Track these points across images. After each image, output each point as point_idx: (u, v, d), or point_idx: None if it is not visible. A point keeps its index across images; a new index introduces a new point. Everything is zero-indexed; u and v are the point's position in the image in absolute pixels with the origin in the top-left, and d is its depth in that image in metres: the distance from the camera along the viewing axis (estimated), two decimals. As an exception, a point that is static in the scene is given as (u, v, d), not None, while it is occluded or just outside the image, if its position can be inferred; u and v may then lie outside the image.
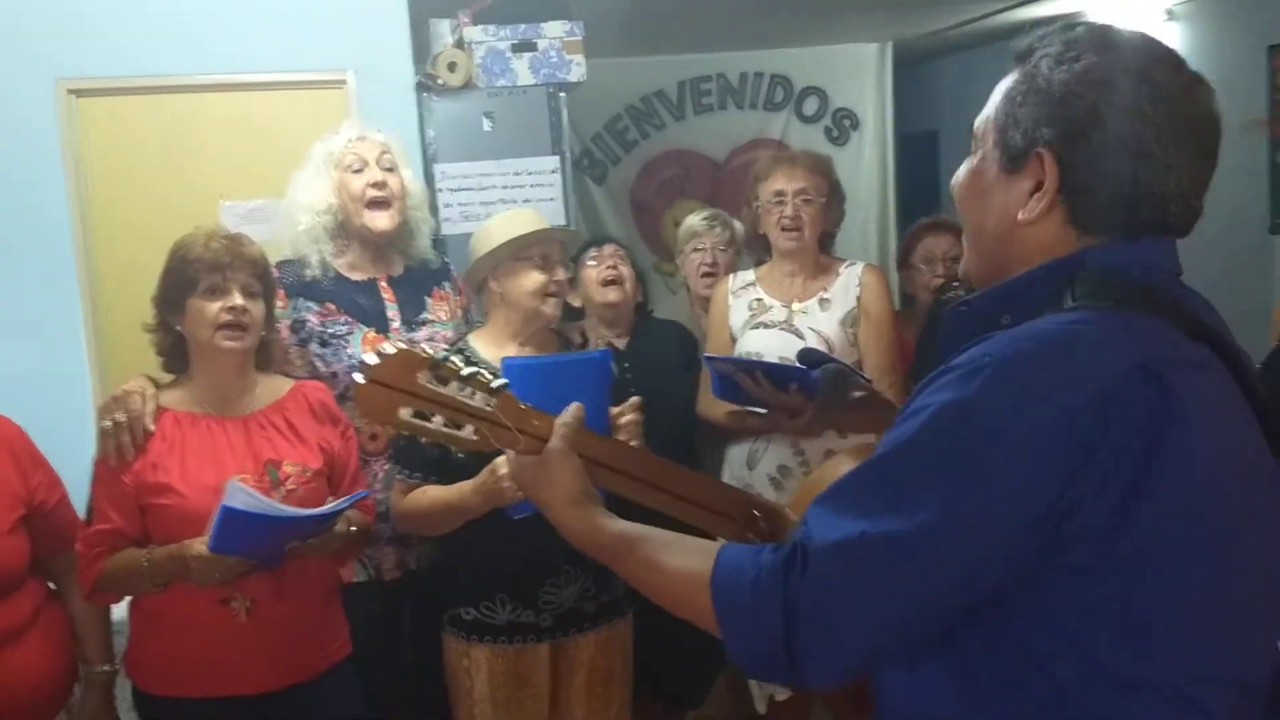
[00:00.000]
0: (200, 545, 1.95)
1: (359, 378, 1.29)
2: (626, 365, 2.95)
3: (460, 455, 1.45)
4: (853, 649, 1.06)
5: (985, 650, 1.06)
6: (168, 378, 2.21)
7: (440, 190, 3.63)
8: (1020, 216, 1.13)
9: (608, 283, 3.06)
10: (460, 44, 3.66)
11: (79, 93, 3.30)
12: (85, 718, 2.22)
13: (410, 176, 2.78)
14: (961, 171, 1.23)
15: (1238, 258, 4.79)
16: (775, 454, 2.80)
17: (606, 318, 3.11)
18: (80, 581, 2.10)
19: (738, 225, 3.49)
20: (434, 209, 3.62)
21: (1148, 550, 0.99)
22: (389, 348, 1.29)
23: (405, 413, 1.31)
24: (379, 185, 2.63)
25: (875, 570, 1.03)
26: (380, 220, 2.64)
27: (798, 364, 2.61)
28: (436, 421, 1.32)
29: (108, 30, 3.33)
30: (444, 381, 1.32)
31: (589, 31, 3.72)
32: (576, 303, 3.10)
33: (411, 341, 2.61)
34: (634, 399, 2.28)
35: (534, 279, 2.37)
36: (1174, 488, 0.99)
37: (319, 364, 2.61)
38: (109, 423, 2.05)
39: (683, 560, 1.20)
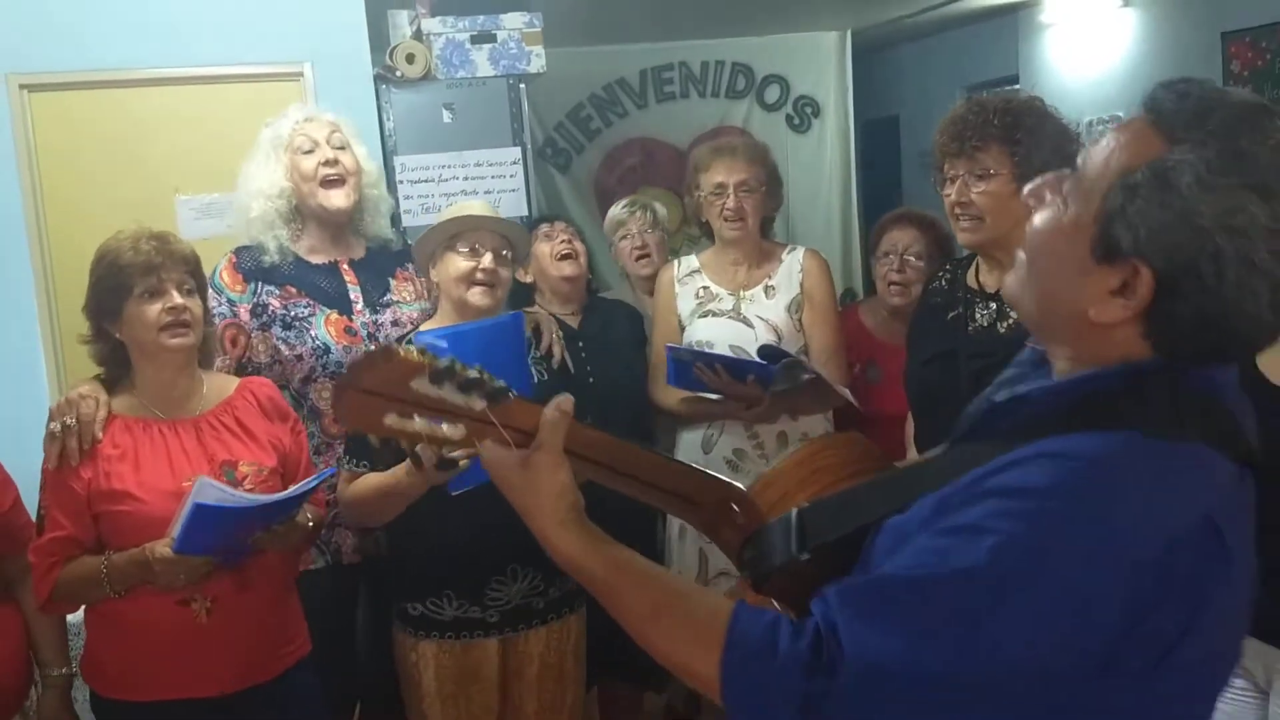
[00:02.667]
0: (163, 548, 1.92)
1: (345, 387, 1.16)
2: (580, 345, 2.98)
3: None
4: None
5: None
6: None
7: (400, 182, 3.62)
8: (1091, 314, 1.02)
9: (562, 257, 3.06)
10: (419, 35, 3.64)
11: (31, 88, 3.26)
12: None
13: (364, 154, 2.76)
14: (1049, 214, 1.08)
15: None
16: (730, 439, 2.86)
17: (561, 292, 3.10)
18: (35, 592, 2.07)
19: (659, 207, 3.60)
20: (394, 201, 3.61)
21: (1173, 685, 0.99)
22: (377, 350, 1.15)
23: (390, 420, 1.17)
24: (331, 163, 2.61)
25: (909, 701, 0.97)
26: (336, 198, 2.62)
27: (756, 358, 2.69)
28: (418, 422, 1.18)
29: (59, 24, 3.28)
30: (439, 384, 1.18)
31: (551, 19, 3.72)
32: (528, 278, 3.10)
33: (375, 323, 2.63)
34: (565, 397, 2.24)
35: (458, 265, 2.38)
36: (1208, 637, 0.97)
37: (282, 347, 2.59)
38: (56, 426, 2.02)
39: (690, 620, 1.09)
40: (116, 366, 2.13)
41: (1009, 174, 2.10)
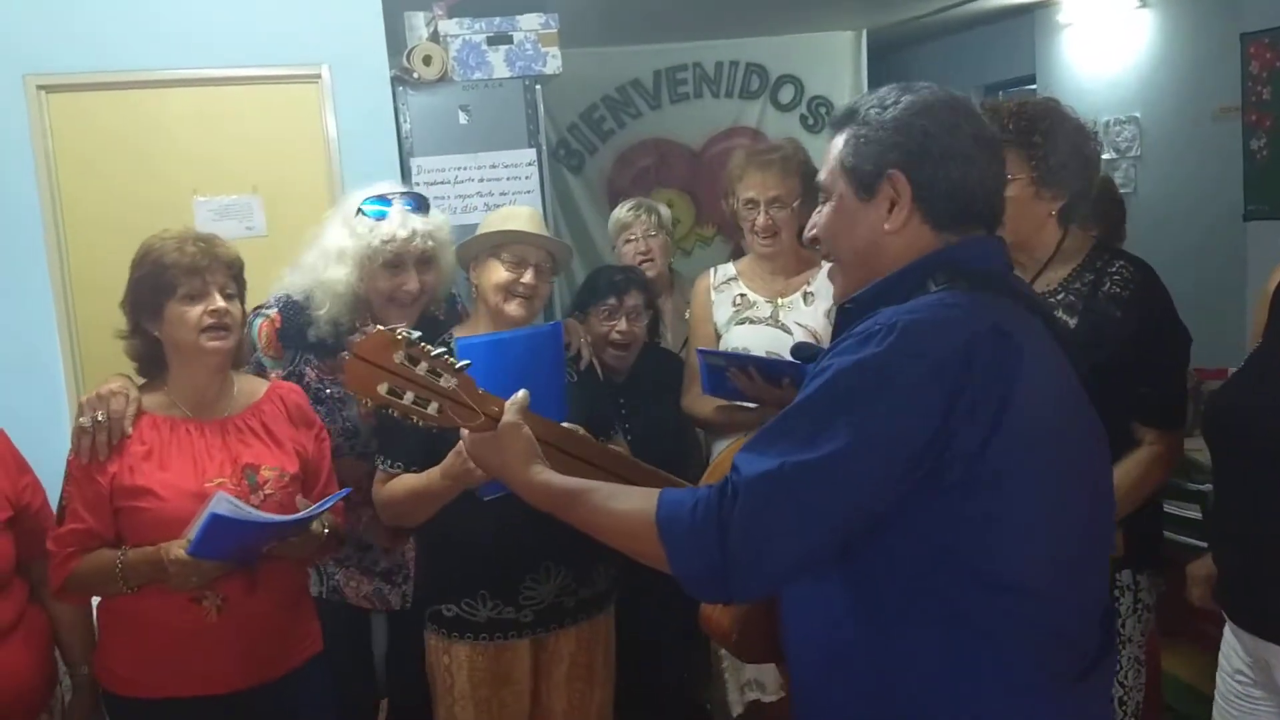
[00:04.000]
0: (178, 549, 1.94)
1: (346, 355, 1.50)
2: (622, 401, 2.96)
3: (432, 428, 1.62)
4: (777, 562, 1.29)
5: (876, 567, 1.30)
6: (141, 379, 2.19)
7: (416, 184, 3.61)
8: (887, 227, 1.39)
9: (615, 345, 2.99)
10: (435, 37, 3.64)
11: (48, 88, 3.26)
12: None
13: (448, 260, 2.58)
14: (821, 217, 1.47)
15: (1212, 244, 4.85)
16: None
17: (608, 365, 3.01)
18: (50, 581, 2.08)
19: (663, 209, 3.62)
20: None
21: (1003, 469, 1.24)
22: (371, 328, 1.43)
23: (382, 388, 1.51)
24: (410, 294, 2.50)
25: (794, 493, 1.26)
26: (400, 316, 2.49)
27: (791, 358, 2.62)
28: (407, 398, 1.52)
29: (77, 25, 3.29)
30: (415, 361, 1.52)
31: (565, 21, 3.71)
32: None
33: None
34: (573, 426, 2.27)
35: (499, 274, 2.38)
36: (1021, 419, 1.25)
37: None
38: (87, 420, 2.03)
39: (629, 503, 1.41)
40: (150, 364, 2.15)
41: (1027, 178, 2.09)
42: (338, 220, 2.55)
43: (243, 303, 2.18)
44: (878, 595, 1.31)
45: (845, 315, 1.43)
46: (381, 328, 1.52)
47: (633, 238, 3.55)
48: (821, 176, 1.47)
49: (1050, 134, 2.09)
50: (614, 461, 1.61)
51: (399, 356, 1.51)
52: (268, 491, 2.08)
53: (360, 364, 1.51)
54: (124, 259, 2.17)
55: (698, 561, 1.30)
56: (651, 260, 3.51)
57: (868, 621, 1.32)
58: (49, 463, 2.29)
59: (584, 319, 2.99)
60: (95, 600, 2.17)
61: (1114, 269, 2.14)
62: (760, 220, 2.80)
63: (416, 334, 1.55)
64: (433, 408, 1.53)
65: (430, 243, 2.52)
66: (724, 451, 1.74)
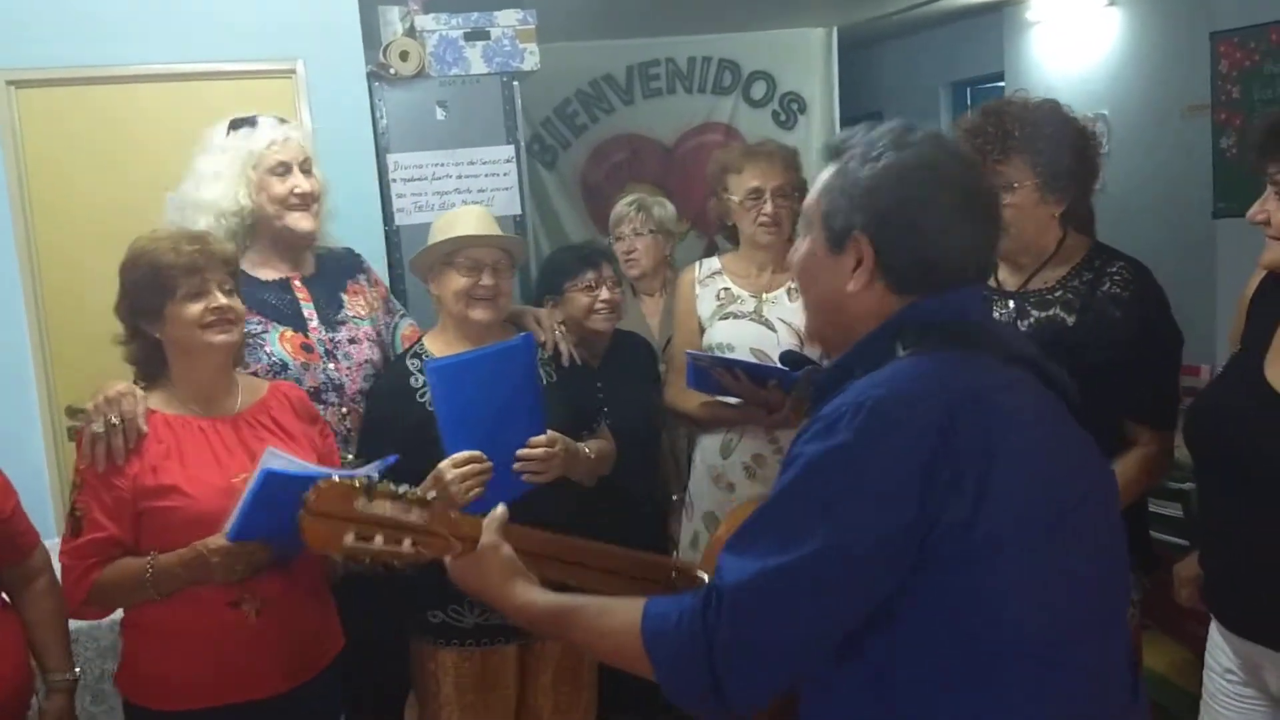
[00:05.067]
0: (218, 540, 1.91)
1: (301, 514, 1.39)
2: (599, 385, 2.96)
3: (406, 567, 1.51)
4: (768, 671, 1.23)
5: (882, 648, 1.24)
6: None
7: (394, 180, 3.58)
8: (849, 288, 1.34)
9: (599, 313, 2.96)
10: (411, 32, 3.60)
11: (18, 84, 3.19)
12: None
13: (319, 172, 2.67)
14: (800, 249, 1.43)
15: (1181, 242, 4.90)
16: (750, 444, 2.82)
17: (590, 343, 3.01)
18: (68, 596, 2.03)
19: (657, 209, 3.57)
20: (386, 199, 3.58)
21: (994, 539, 1.19)
22: (322, 483, 1.39)
23: (349, 539, 1.40)
24: (304, 195, 2.54)
25: (776, 599, 1.20)
26: (304, 221, 2.55)
27: (779, 364, 2.64)
28: (377, 542, 1.42)
29: (48, 19, 3.22)
30: (375, 502, 1.42)
31: (539, 16, 3.68)
32: (558, 316, 2.95)
33: (333, 340, 2.55)
34: (550, 436, 2.27)
35: (456, 282, 2.36)
36: (1007, 486, 1.19)
37: None
38: (100, 426, 1.98)
39: (616, 619, 1.34)
40: (150, 366, 2.12)
41: (1032, 184, 2.10)
42: (203, 153, 2.59)
43: (240, 298, 2.16)
44: (888, 676, 1.25)
45: (819, 389, 1.39)
46: (335, 478, 1.42)
47: (621, 235, 3.51)
48: (807, 203, 1.43)
49: (1056, 140, 2.09)
50: (604, 559, 1.55)
51: (359, 504, 1.41)
52: None
53: (320, 521, 1.40)
54: (95, 256, 2.14)
55: (687, 679, 1.24)
56: (635, 260, 3.47)
57: (878, 701, 1.26)
58: (21, 470, 2.24)
59: (558, 301, 2.97)
60: (118, 614, 2.13)
61: (1113, 269, 2.16)
62: (768, 208, 2.81)
63: (375, 476, 1.48)
64: (406, 545, 1.43)
65: (307, 151, 2.59)
66: (735, 511, 1.68)
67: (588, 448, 2.39)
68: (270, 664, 2.05)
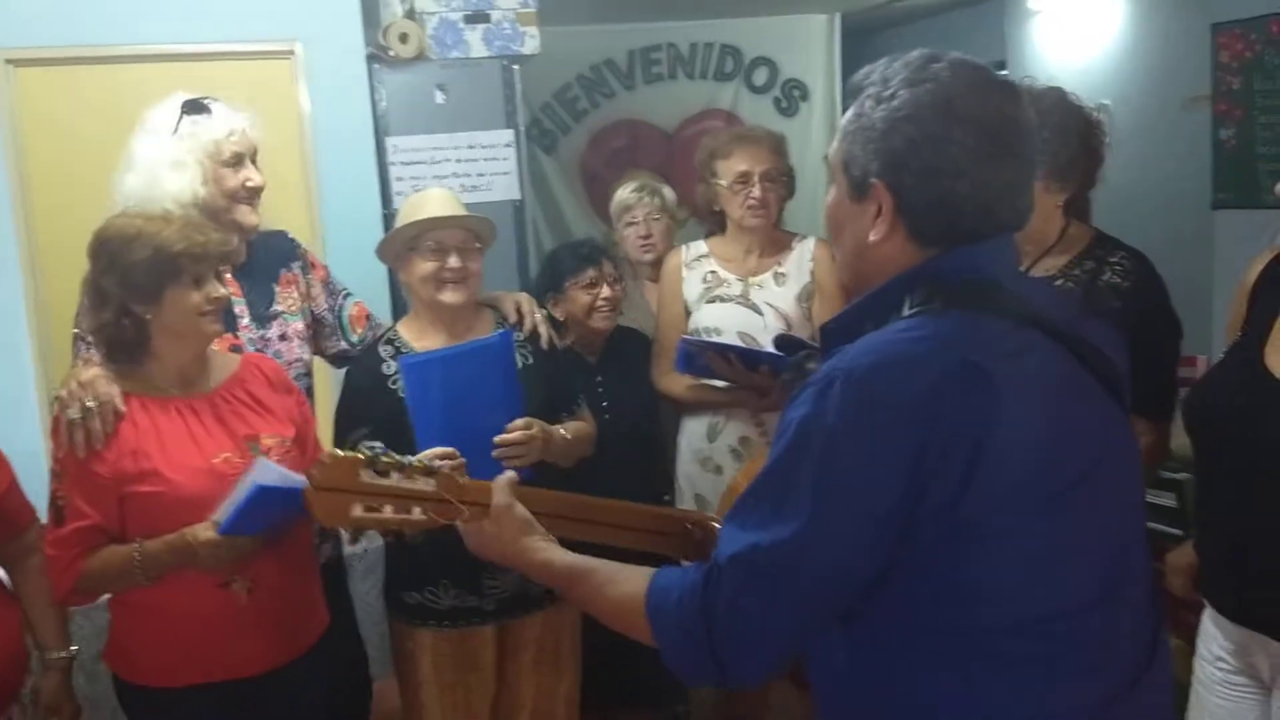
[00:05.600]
0: (207, 531, 1.91)
1: (307, 486, 1.42)
2: (599, 379, 2.98)
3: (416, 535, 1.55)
4: (765, 644, 1.24)
5: (879, 621, 1.24)
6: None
7: (392, 164, 3.58)
8: (870, 238, 1.29)
9: (599, 311, 2.97)
10: (411, 14, 3.59)
11: (17, 62, 3.20)
12: (47, 705, 2.18)
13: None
14: (828, 200, 1.38)
15: (1179, 233, 4.89)
16: (736, 427, 2.85)
17: (588, 340, 3.04)
18: (54, 586, 2.03)
19: (667, 192, 3.57)
20: (385, 183, 3.57)
21: (983, 517, 1.16)
22: (326, 456, 1.40)
23: (357, 510, 1.44)
24: (254, 189, 2.46)
25: (768, 574, 1.20)
26: (251, 216, 2.47)
27: (771, 348, 2.66)
28: (387, 511, 1.45)
29: (46, -1, 3.22)
30: (384, 474, 1.45)
31: (540, -1, 3.68)
32: (558, 313, 2.99)
33: (263, 339, 2.49)
34: (526, 420, 2.27)
35: (423, 268, 2.35)
36: (1000, 463, 1.15)
37: None
38: (75, 411, 1.96)
39: (624, 588, 1.36)
40: (126, 348, 2.07)
41: (1037, 172, 2.09)
42: (151, 137, 2.45)
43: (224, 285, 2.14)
44: (884, 645, 1.25)
45: (827, 336, 1.35)
46: (337, 452, 1.44)
47: (635, 220, 3.47)
48: (831, 151, 1.36)
49: (1061, 129, 2.09)
50: (618, 515, 1.57)
51: (366, 475, 1.43)
52: (274, 459, 2.04)
53: (325, 495, 1.42)
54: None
55: (688, 653, 1.26)
56: (652, 244, 3.44)
57: (877, 669, 1.26)
58: (18, 448, 2.24)
59: (560, 297, 2.98)
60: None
61: (1115, 259, 2.16)
62: (756, 191, 2.83)
63: (378, 445, 1.48)
64: (416, 512, 1.46)
65: (257, 142, 2.51)
66: (750, 465, 1.69)
67: (564, 429, 2.38)
68: (260, 642, 2.06)
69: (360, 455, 1.43)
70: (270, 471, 1.90)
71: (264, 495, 1.85)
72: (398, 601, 2.42)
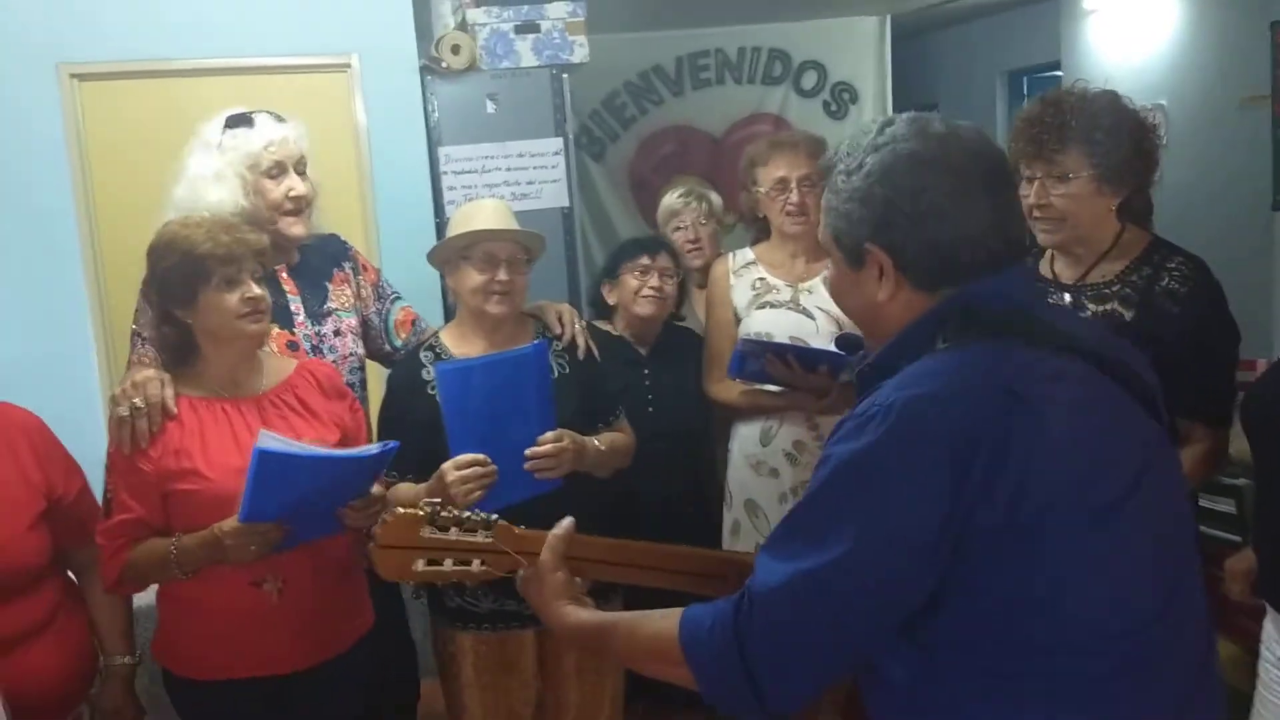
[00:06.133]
0: (230, 522, 1.95)
1: (372, 547, 1.48)
2: (646, 372, 2.99)
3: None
4: (804, 673, 1.24)
5: (931, 647, 1.23)
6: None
7: (444, 173, 3.62)
8: (880, 298, 1.33)
9: (647, 298, 3.02)
10: (463, 26, 3.64)
11: (81, 77, 3.29)
12: (106, 710, 2.23)
13: (313, 172, 2.61)
14: (830, 276, 1.44)
15: (1239, 233, 4.82)
16: (790, 431, 2.83)
17: (636, 329, 3.09)
18: (103, 575, 2.10)
19: (714, 197, 3.59)
20: (438, 192, 3.62)
21: (1029, 539, 1.16)
22: (387, 515, 1.46)
23: (419, 566, 1.49)
24: (298, 199, 2.50)
25: (809, 602, 1.21)
26: (296, 227, 2.51)
27: (833, 348, 2.66)
28: (448, 564, 1.50)
29: (109, 13, 3.31)
30: (444, 529, 1.49)
31: (589, 7, 3.70)
32: (612, 299, 3.07)
33: (318, 334, 2.54)
34: (557, 432, 2.27)
35: (472, 278, 2.37)
36: (1044, 484, 1.16)
37: None
38: (125, 409, 2.03)
39: (654, 626, 1.37)
40: (179, 351, 2.14)
41: (1089, 175, 2.08)
42: (199, 151, 2.51)
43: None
44: (947, 670, 1.23)
45: (863, 378, 1.36)
46: (401, 510, 1.50)
47: (682, 225, 3.52)
48: (820, 233, 1.42)
49: (1114, 131, 2.07)
50: (670, 559, 1.57)
51: (426, 531, 1.49)
52: None
53: (390, 553, 1.49)
54: (154, 247, 2.14)
55: (725, 684, 1.26)
56: (700, 249, 3.48)
57: (943, 694, 1.24)
58: (83, 454, 2.29)
59: (614, 283, 3.03)
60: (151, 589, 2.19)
61: (1172, 264, 2.14)
62: (794, 197, 2.83)
63: (436, 501, 1.52)
64: (476, 564, 1.51)
65: (303, 151, 2.53)
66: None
67: (599, 440, 2.40)
68: (290, 642, 2.09)
69: (420, 513, 1.48)
70: (269, 439, 1.92)
71: (270, 463, 1.87)
72: (439, 604, 2.45)
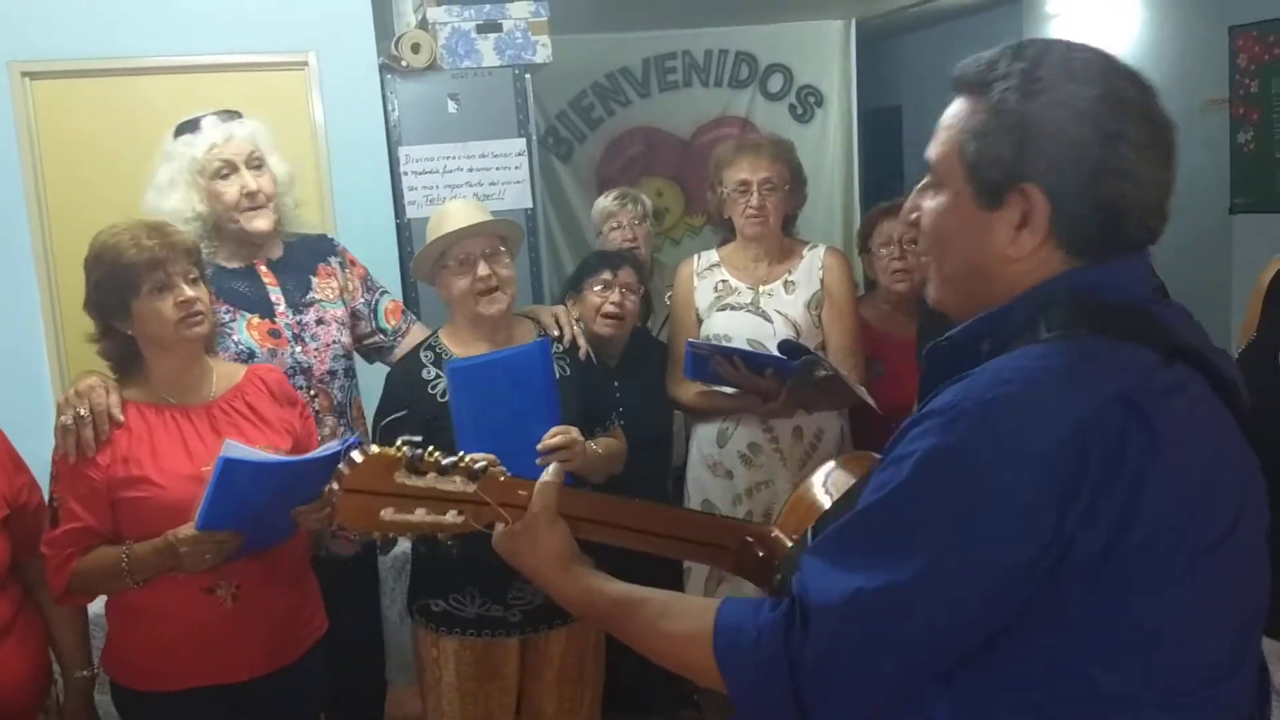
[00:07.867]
0: (187, 529, 1.92)
1: (335, 488, 1.26)
2: (616, 384, 3.00)
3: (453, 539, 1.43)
4: (862, 700, 1.10)
5: (981, 680, 1.08)
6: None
7: (405, 174, 3.59)
8: (1010, 252, 1.11)
9: (609, 316, 2.98)
10: (424, 24, 3.61)
11: (33, 75, 3.22)
12: None
13: (277, 163, 2.62)
14: (931, 209, 1.18)
15: (1197, 238, 4.85)
16: (745, 433, 2.86)
17: (596, 345, 3.06)
18: (50, 585, 2.05)
19: (646, 199, 3.75)
20: (398, 193, 3.59)
21: (1130, 575, 1.01)
22: (357, 455, 1.26)
23: (387, 514, 1.29)
24: (253, 194, 2.50)
25: (876, 624, 1.05)
26: (259, 221, 2.52)
27: (777, 353, 2.70)
28: (418, 514, 1.30)
29: (62, 11, 3.25)
30: (421, 473, 1.29)
31: (554, 8, 3.68)
32: (576, 315, 3.03)
33: (299, 323, 2.56)
34: (565, 428, 2.27)
35: (457, 284, 2.37)
36: (1155, 515, 1.01)
37: None
38: (68, 418, 2.00)
39: (683, 624, 1.21)
40: (125, 361, 2.12)
41: None
42: (160, 160, 2.57)
43: (206, 284, 2.15)
44: (995, 711, 1.07)
45: (934, 358, 1.17)
46: (375, 448, 1.27)
47: (618, 225, 3.65)
48: (932, 153, 1.17)
49: None
50: (670, 524, 1.45)
51: (401, 476, 1.28)
52: None
53: (356, 497, 1.27)
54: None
55: (767, 699, 1.11)
56: (637, 247, 3.58)
57: None
58: (35, 458, 2.26)
59: (578, 297, 3.02)
60: (100, 599, 2.15)
61: None
62: (754, 200, 2.85)
63: (416, 440, 1.31)
64: (451, 515, 1.31)
65: (253, 145, 2.53)
66: (795, 498, 1.54)
67: (597, 445, 2.39)
68: (246, 649, 2.07)
69: (398, 454, 1.27)
70: (234, 448, 1.90)
71: (233, 470, 1.86)
72: (423, 608, 2.43)
